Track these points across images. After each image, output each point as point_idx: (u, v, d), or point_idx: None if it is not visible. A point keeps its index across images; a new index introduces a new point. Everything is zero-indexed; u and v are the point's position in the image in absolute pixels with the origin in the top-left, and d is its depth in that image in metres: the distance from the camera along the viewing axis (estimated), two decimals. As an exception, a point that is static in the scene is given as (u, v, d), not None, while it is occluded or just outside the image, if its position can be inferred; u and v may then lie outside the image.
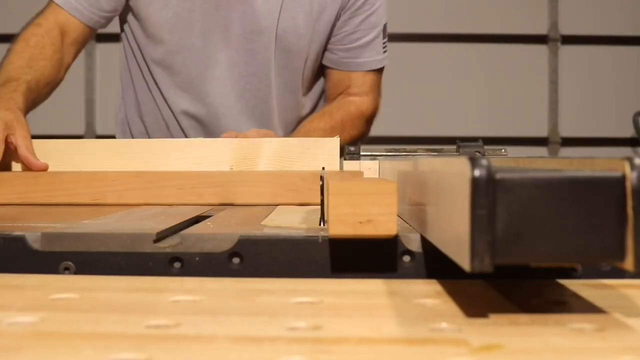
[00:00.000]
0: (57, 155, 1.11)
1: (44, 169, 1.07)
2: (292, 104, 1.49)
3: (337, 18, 1.44)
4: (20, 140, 1.08)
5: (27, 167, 1.08)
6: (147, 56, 1.44)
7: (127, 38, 1.47)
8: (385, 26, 1.50)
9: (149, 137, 1.48)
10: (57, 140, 1.13)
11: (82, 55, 4.00)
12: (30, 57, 1.28)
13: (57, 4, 1.36)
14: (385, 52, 1.51)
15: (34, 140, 1.11)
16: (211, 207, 0.90)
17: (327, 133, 1.37)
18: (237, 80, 1.41)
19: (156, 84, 1.44)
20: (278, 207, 0.91)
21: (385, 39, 1.51)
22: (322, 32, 1.43)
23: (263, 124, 1.44)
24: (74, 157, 1.12)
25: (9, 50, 1.31)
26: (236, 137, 1.17)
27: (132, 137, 1.51)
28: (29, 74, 1.24)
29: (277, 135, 1.26)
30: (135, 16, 1.41)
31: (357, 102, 1.48)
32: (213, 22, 1.38)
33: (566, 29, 3.83)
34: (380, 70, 1.52)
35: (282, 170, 1.08)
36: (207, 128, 1.44)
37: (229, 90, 1.42)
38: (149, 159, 1.10)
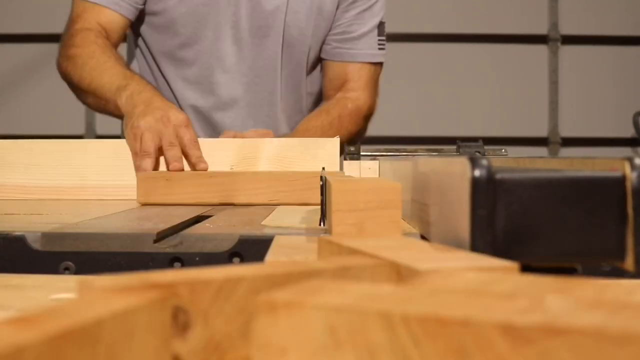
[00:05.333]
0: (59, 155, 1.11)
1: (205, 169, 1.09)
2: (295, 97, 1.51)
3: (335, 12, 1.47)
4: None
5: (193, 165, 1.09)
6: (155, 50, 1.46)
7: (134, 34, 1.48)
8: (382, 24, 1.52)
9: None
10: (53, 141, 1.12)
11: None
12: (115, 56, 1.29)
13: (96, 4, 1.35)
14: (381, 49, 1.52)
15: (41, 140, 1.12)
16: (212, 207, 0.92)
17: (325, 130, 1.38)
18: (246, 74, 1.45)
19: (164, 77, 1.46)
20: (278, 207, 0.91)
21: (383, 38, 1.52)
22: (322, 26, 1.46)
23: (269, 116, 1.47)
24: (76, 156, 1.10)
25: (77, 56, 1.29)
26: (234, 136, 1.17)
27: None
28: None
29: (275, 135, 1.27)
30: (147, 11, 1.42)
31: (353, 98, 1.49)
32: (224, 17, 1.41)
33: (566, 29, 3.83)
34: (376, 67, 1.53)
35: (282, 170, 1.08)
36: (212, 120, 1.46)
37: (237, 82, 1.45)
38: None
